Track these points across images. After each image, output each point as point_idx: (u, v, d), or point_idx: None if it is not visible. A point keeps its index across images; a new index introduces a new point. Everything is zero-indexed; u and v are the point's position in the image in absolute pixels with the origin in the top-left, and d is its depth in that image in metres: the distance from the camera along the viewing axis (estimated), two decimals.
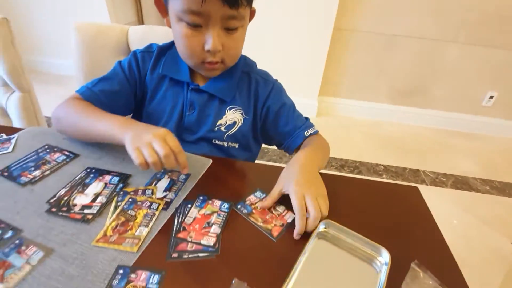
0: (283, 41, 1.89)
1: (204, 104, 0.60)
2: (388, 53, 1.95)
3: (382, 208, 0.50)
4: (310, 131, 0.61)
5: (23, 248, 0.36)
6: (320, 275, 0.37)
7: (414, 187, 0.54)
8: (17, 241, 0.37)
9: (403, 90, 2.08)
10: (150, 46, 0.62)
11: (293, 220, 0.43)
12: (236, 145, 0.64)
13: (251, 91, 0.62)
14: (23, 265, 0.35)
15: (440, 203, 1.46)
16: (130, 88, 0.60)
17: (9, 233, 0.38)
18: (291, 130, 0.62)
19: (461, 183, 1.60)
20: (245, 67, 0.63)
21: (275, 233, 0.42)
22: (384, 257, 0.38)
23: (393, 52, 1.94)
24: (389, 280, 0.35)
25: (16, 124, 0.82)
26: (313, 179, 0.47)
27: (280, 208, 0.47)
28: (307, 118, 0.66)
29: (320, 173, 0.52)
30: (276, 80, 0.67)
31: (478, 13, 1.73)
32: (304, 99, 2.09)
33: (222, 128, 0.62)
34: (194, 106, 0.60)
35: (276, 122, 0.63)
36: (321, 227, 0.42)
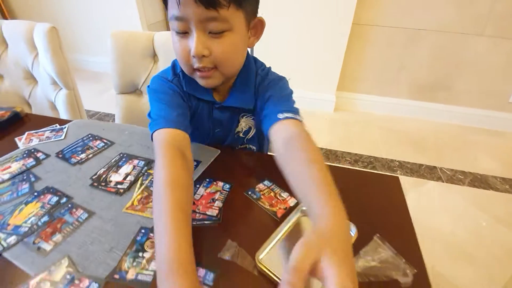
0: (301, 36, 1.93)
1: (228, 120, 0.64)
2: (409, 48, 1.92)
3: (362, 194, 0.56)
4: (287, 114, 0.53)
5: (74, 210, 0.49)
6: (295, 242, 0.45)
7: (395, 177, 0.59)
8: (69, 205, 0.50)
9: (425, 85, 2.04)
10: (174, 66, 0.61)
11: (296, 204, 0.51)
12: (255, 148, 0.72)
13: (254, 93, 0.62)
14: (73, 222, 0.47)
15: (454, 200, 1.45)
16: (186, 104, 0.60)
17: (64, 199, 0.51)
18: (270, 112, 0.56)
19: (480, 181, 1.57)
20: (262, 71, 0.62)
21: (279, 215, 0.50)
22: (352, 231, 0.45)
23: (414, 46, 1.91)
24: (354, 248, 0.42)
25: (62, 116, 0.98)
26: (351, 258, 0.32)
27: (285, 194, 0.54)
28: (295, 109, 0.57)
29: None
30: (282, 78, 0.63)
31: (507, 4, 1.65)
32: (321, 94, 2.12)
33: (241, 135, 0.67)
34: (221, 123, 0.64)
35: (264, 107, 0.59)
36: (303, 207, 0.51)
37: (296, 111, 0.55)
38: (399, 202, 0.54)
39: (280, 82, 0.61)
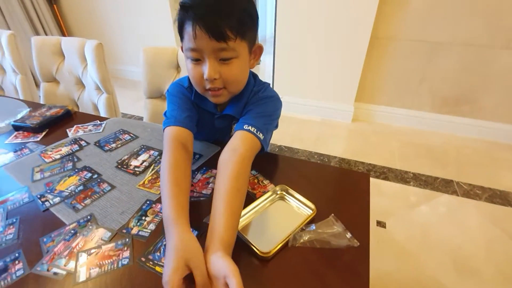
0: (321, 47, 2.01)
1: (225, 126, 0.75)
2: (431, 61, 1.91)
3: (332, 185, 0.65)
4: (250, 128, 0.62)
5: (101, 183, 0.64)
6: (270, 215, 0.56)
7: (366, 174, 0.66)
8: (98, 180, 0.65)
9: (449, 98, 2.00)
10: (188, 79, 0.71)
11: (272, 190, 0.62)
12: None
13: (245, 105, 0.70)
14: (99, 191, 0.62)
15: (467, 214, 1.42)
16: (195, 110, 0.72)
17: (95, 175, 0.67)
18: (242, 120, 0.65)
19: (499, 197, 1.51)
20: (257, 87, 0.71)
21: (257, 196, 0.61)
22: (311, 209, 0.56)
23: (436, 59, 1.89)
24: (310, 222, 0.53)
25: (102, 114, 1.18)
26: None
27: (266, 181, 0.66)
28: (262, 127, 0.64)
29: (291, 158, 0.70)
30: (272, 97, 0.71)
31: None
32: (340, 104, 2.18)
33: None
34: (220, 129, 0.75)
35: (243, 115, 0.68)
36: (279, 191, 0.62)
37: (260, 130, 0.63)
38: (363, 197, 0.61)
39: (268, 101, 0.69)
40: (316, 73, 2.13)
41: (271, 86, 0.75)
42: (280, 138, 2.01)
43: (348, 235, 0.49)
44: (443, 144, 1.97)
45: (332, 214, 0.53)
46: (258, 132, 0.62)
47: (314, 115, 2.28)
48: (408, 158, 1.83)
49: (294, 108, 2.27)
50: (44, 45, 1.20)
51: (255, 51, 0.66)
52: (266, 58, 3.44)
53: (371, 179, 1.63)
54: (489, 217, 1.40)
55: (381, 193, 1.56)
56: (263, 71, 3.22)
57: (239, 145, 0.60)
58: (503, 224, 1.35)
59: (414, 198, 1.53)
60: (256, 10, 0.63)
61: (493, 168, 1.75)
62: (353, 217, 0.55)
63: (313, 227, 0.50)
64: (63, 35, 3.00)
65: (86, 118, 0.94)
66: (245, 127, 0.62)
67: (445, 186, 1.60)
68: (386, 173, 1.70)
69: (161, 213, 0.57)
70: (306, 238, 0.49)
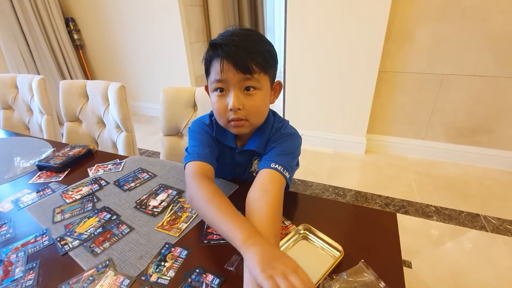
0: (329, 81, 2.07)
1: (245, 161, 0.76)
2: (440, 92, 1.92)
3: (357, 226, 0.62)
4: (277, 166, 0.62)
5: (120, 225, 0.64)
6: (294, 257, 0.53)
7: (392, 214, 0.63)
8: (117, 221, 0.65)
9: (463, 128, 1.97)
10: (211, 115, 0.75)
11: (295, 230, 0.59)
12: None
13: (267, 141, 0.72)
14: (118, 234, 0.61)
15: (500, 252, 1.31)
16: (216, 146, 0.74)
17: (115, 217, 0.67)
18: (267, 157, 0.66)
19: None
20: (277, 123, 0.74)
21: (280, 237, 0.59)
22: (339, 251, 0.53)
23: (446, 90, 1.90)
24: (339, 269, 0.50)
25: (121, 152, 1.21)
26: (276, 257, 0.43)
27: (287, 222, 0.64)
28: (288, 166, 0.65)
29: (312, 196, 0.68)
30: (293, 134, 0.72)
31: None
32: (352, 136, 2.17)
33: (254, 174, 0.77)
34: (241, 164, 0.77)
35: (267, 152, 0.69)
36: (301, 230, 0.59)
37: (286, 168, 0.64)
38: (393, 239, 0.58)
39: (290, 138, 0.70)
40: (326, 106, 2.16)
41: (288, 120, 0.77)
42: None
43: (382, 284, 0.46)
44: (463, 175, 1.90)
45: (362, 260, 0.50)
46: (285, 170, 0.63)
47: (326, 148, 2.27)
48: (428, 191, 1.76)
49: (305, 140, 2.25)
50: (71, 88, 1.28)
51: (275, 88, 0.70)
52: None
53: None
54: None
55: (402, 229, 1.47)
56: (274, 104, 3.30)
57: (269, 185, 0.60)
58: None
59: (439, 234, 1.44)
60: (276, 52, 0.68)
61: None
62: (384, 262, 0.52)
63: (344, 276, 0.47)
64: (87, 78, 3.22)
65: (107, 157, 0.96)
66: (272, 165, 0.63)
67: (471, 221, 1.51)
68: (406, 207, 1.63)
69: (180, 257, 0.55)
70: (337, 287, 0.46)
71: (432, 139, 2.07)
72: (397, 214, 1.56)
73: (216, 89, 0.64)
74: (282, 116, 2.36)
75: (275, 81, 0.69)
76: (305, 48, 2.03)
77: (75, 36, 3.01)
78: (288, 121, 0.77)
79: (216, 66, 0.61)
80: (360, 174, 1.99)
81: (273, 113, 0.77)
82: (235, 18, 3.04)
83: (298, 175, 1.96)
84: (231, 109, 0.62)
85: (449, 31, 1.75)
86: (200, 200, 0.57)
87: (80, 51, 3.12)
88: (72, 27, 2.95)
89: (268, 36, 4.09)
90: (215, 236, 0.60)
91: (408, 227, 1.49)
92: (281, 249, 0.57)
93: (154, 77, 2.96)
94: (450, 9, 1.71)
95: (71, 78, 3.02)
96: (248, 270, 0.45)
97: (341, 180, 1.90)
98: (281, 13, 2.05)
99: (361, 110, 2.06)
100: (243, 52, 0.59)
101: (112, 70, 3.14)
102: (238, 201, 0.69)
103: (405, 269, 1.26)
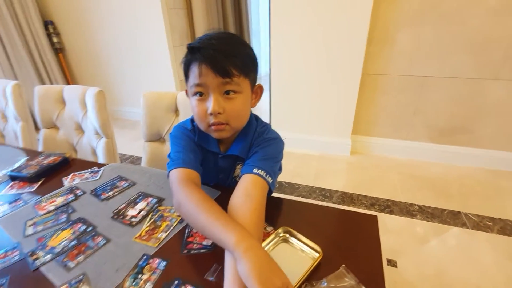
0: (314, 83, 2.08)
1: (229, 166, 0.75)
2: (421, 93, 1.97)
3: (337, 229, 0.62)
4: (259, 172, 0.62)
5: (96, 237, 0.61)
6: (275, 259, 0.53)
7: (373, 216, 0.64)
8: (93, 233, 0.62)
9: (444, 129, 2.02)
10: (193, 120, 0.73)
11: (275, 233, 0.59)
12: None
13: (250, 146, 0.71)
14: (94, 246, 0.59)
15: (482, 249, 1.35)
16: (199, 151, 0.72)
17: (90, 228, 0.64)
18: (250, 162, 0.65)
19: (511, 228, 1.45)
20: (260, 128, 0.73)
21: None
22: (317, 251, 0.54)
23: (427, 92, 1.96)
24: (320, 273, 0.49)
25: (100, 159, 1.17)
26: (272, 270, 0.43)
27: (269, 228, 0.63)
28: (270, 170, 0.64)
29: (294, 201, 0.68)
30: (275, 138, 0.72)
31: None
32: (337, 138, 2.20)
33: (237, 179, 0.74)
34: (224, 170, 0.75)
35: (250, 157, 0.68)
36: (281, 233, 0.59)
37: (269, 173, 0.63)
38: (373, 241, 0.58)
39: (272, 143, 0.70)
40: (311, 108, 2.18)
41: (270, 125, 0.77)
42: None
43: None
44: (444, 174, 1.95)
45: (343, 265, 0.49)
46: (267, 175, 0.63)
47: (313, 150, 2.29)
48: (411, 190, 1.80)
49: (292, 143, 2.28)
50: (47, 93, 1.23)
51: (256, 91, 0.70)
52: (262, 95, 3.58)
53: (376, 214, 1.59)
54: (505, 251, 1.33)
55: (387, 229, 1.50)
56: (260, 108, 3.30)
57: (252, 190, 0.59)
58: None
59: (423, 233, 1.47)
60: (256, 56, 0.67)
61: (498, 197, 1.71)
62: (365, 265, 0.52)
63: (324, 283, 0.46)
64: (68, 82, 3.12)
65: (85, 165, 0.93)
66: (255, 170, 0.62)
67: (453, 218, 1.55)
68: (391, 207, 1.66)
69: (158, 269, 0.53)
70: None
71: (415, 139, 2.12)
72: (382, 214, 1.59)
73: (195, 94, 0.63)
74: (268, 119, 2.37)
75: (256, 84, 0.69)
76: (290, 52, 2.04)
77: (55, 40, 2.91)
78: (270, 126, 0.77)
79: (194, 70, 0.60)
80: (346, 175, 2.01)
81: (255, 118, 0.76)
82: (219, 21, 3.03)
83: (285, 177, 1.96)
84: (211, 114, 0.61)
85: (428, 34, 1.81)
86: (189, 205, 0.56)
87: (60, 54, 3.03)
88: (51, 30, 2.86)
89: (254, 40, 4.10)
90: (195, 245, 0.58)
91: (393, 226, 1.52)
92: None
93: (138, 81, 2.90)
94: (429, 13, 1.76)
95: (51, 83, 2.92)
96: (232, 270, 0.45)
97: (328, 182, 1.91)
98: (266, 17, 2.05)
99: (346, 112, 2.09)
100: (221, 55, 0.58)
101: (94, 74, 3.06)
102: (222, 207, 0.68)
103: (390, 268, 1.27)
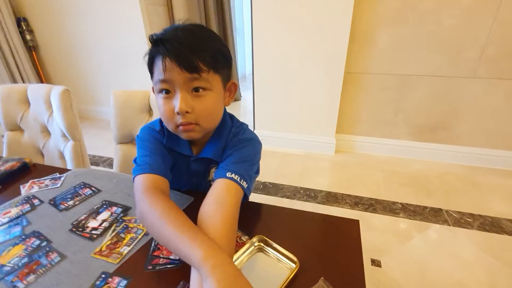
0: (297, 82, 2.06)
1: (202, 170, 0.70)
2: (402, 92, 1.99)
3: (316, 235, 0.58)
4: (233, 176, 0.57)
5: (50, 253, 0.55)
6: (249, 270, 0.50)
7: (355, 221, 0.61)
8: (47, 248, 0.56)
9: (424, 126, 2.05)
10: (159, 122, 0.69)
11: (250, 242, 0.55)
12: None
13: (224, 148, 0.67)
14: (47, 264, 0.53)
15: (463, 245, 1.36)
16: (169, 155, 0.67)
17: (44, 243, 0.57)
18: (224, 165, 0.61)
19: (491, 225, 1.47)
20: (235, 128, 0.68)
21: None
22: (294, 262, 0.50)
23: (407, 90, 1.97)
24: (297, 285, 0.46)
25: (68, 164, 1.09)
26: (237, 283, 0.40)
27: (244, 238, 0.59)
28: (244, 174, 0.59)
29: (270, 205, 0.64)
30: (251, 140, 0.67)
31: (497, 48, 1.71)
32: (321, 136, 2.18)
33: (212, 183, 0.72)
34: (197, 173, 0.70)
35: (223, 160, 0.64)
36: (256, 242, 0.55)
37: (244, 178, 0.58)
38: (354, 248, 0.55)
39: (248, 144, 0.65)
40: (295, 107, 2.15)
41: (250, 124, 0.71)
42: (263, 174, 1.95)
43: None
44: (425, 171, 1.97)
45: (322, 278, 0.46)
46: (242, 180, 0.58)
47: (297, 149, 2.26)
48: (394, 188, 1.81)
49: (276, 142, 2.25)
50: (10, 93, 1.13)
51: (230, 89, 0.65)
52: (246, 94, 3.54)
53: (360, 213, 1.59)
54: (485, 247, 1.35)
55: (371, 228, 1.49)
56: (244, 107, 3.26)
57: (225, 197, 0.54)
58: (501, 254, 1.30)
59: (406, 231, 1.47)
60: (229, 52, 0.62)
61: (477, 193, 1.74)
62: (345, 275, 0.48)
63: None
64: (41, 81, 2.96)
65: (46, 170, 0.85)
66: (228, 174, 0.57)
67: (434, 215, 1.56)
68: (374, 205, 1.65)
69: None
70: None
71: (396, 137, 2.13)
72: (366, 213, 1.58)
73: (161, 91, 0.57)
74: (252, 118, 2.31)
75: (229, 81, 0.64)
76: (273, 50, 2.00)
77: (28, 37, 2.75)
78: (247, 125, 0.72)
79: (159, 65, 0.54)
80: (330, 174, 2.00)
81: (230, 117, 0.71)
82: (201, 19, 2.95)
83: (269, 177, 1.93)
84: (178, 113, 0.55)
85: (407, 33, 1.81)
86: (152, 215, 0.50)
87: (34, 53, 2.87)
88: (24, 27, 2.70)
89: (238, 37, 4.04)
90: (161, 260, 0.53)
91: (377, 225, 1.51)
92: (236, 262, 0.52)
93: (116, 80, 2.78)
94: (407, 13, 1.77)
95: (23, 82, 2.76)
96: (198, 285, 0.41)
97: (312, 181, 1.89)
98: (249, 15, 2.01)
99: (330, 110, 2.07)
100: (188, 49, 0.53)
101: (70, 72, 2.91)
102: (194, 215, 0.63)
103: (374, 268, 1.26)
